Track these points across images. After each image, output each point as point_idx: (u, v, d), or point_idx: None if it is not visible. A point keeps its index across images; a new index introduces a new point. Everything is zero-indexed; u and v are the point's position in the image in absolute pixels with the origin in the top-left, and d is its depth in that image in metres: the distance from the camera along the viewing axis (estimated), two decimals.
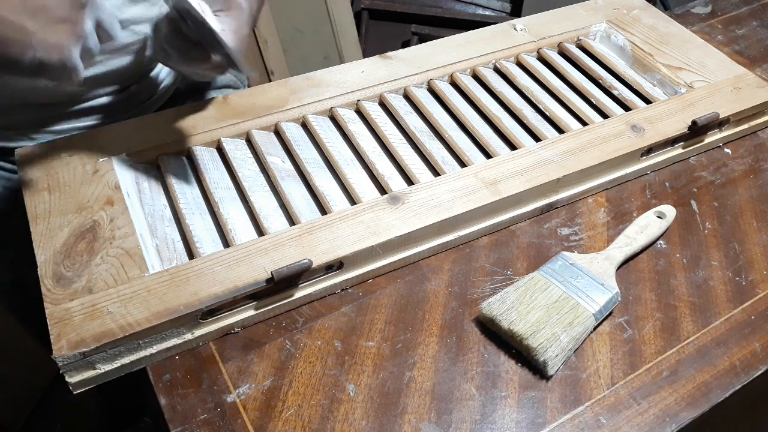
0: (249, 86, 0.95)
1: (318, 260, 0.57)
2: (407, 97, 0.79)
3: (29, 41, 0.47)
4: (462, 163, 0.71)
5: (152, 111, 0.80)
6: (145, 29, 0.70)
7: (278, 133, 0.73)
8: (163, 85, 0.81)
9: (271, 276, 0.55)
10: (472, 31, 0.87)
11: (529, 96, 0.80)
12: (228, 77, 0.90)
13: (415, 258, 0.64)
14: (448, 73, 0.81)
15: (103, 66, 0.69)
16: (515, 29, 0.88)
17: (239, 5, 0.59)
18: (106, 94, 0.73)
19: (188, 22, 0.56)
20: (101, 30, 0.52)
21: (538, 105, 0.79)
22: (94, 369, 0.52)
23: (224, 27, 0.57)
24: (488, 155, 0.72)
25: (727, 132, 0.79)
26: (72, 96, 0.70)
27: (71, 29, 0.49)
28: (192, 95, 0.87)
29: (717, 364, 0.58)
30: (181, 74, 0.68)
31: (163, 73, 0.81)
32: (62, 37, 0.48)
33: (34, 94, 0.67)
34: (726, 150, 0.79)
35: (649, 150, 0.73)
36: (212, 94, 0.88)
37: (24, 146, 0.66)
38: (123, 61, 0.71)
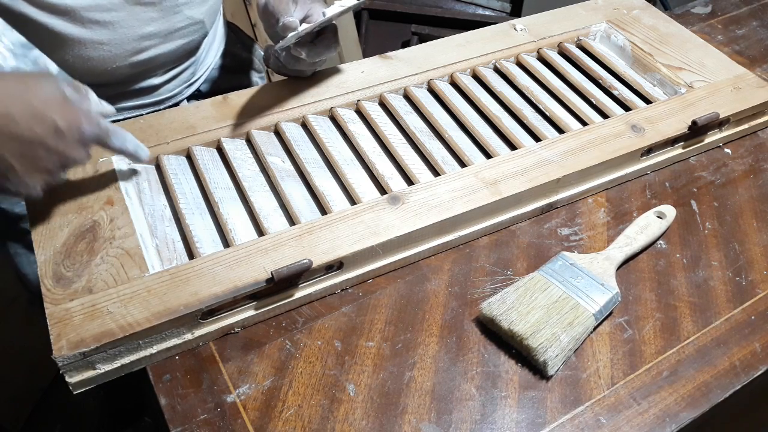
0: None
1: (318, 260, 0.57)
2: (407, 97, 0.79)
3: (7, 175, 0.51)
4: (462, 163, 0.71)
5: (196, 91, 0.85)
6: (196, 13, 0.74)
7: (278, 133, 0.73)
8: (208, 66, 0.85)
9: (271, 276, 0.55)
10: (472, 31, 0.87)
11: (529, 96, 0.80)
12: (257, 64, 0.97)
13: (415, 258, 0.64)
14: (448, 73, 0.81)
15: (156, 50, 0.73)
16: (515, 29, 0.88)
17: None
18: (156, 76, 0.77)
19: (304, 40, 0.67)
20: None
21: (538, 105, 0.79)
22: (94, 369, 0.52)
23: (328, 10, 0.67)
24: (488, 155, 0.72)
25: (727, 132, 0.79)
26: (123, 78, 0.74)
27: (48, 179, 0.54)
28: (232, 75, 0.91)
29: (717, 364, 0.58)
30: (299, 74, 0.76)
31: (207, 55, 0.84)
32: (37, 182, 0.53)
33: (89, 76, 0.70)
34: (726, 150, 0.79)
35: (649, 150, 0.73)
36: (240, 78, 0.93)
37: None
38: (174, 44, 0.74)
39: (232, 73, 0.91)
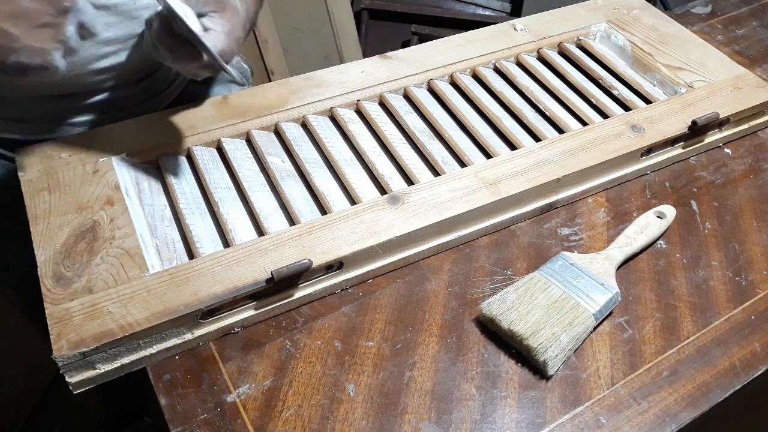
0: (252, 84, 0.95)
1: (318, 260, 0.57)
2: (407, 97, 0.79)
3: (13, 46, 0.48)
4: (462, 163, 0.71)
5: (166, 102, 0.81)
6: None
7: (278, 133, 0.73)
8: (177, 77, 0.82)
9: (271, 276, 0.55)
10: (472, 31, 0.87)
11: (529, 96, 0.80)
12: (235, 73, 0.90)
13: (415, 258, 0.64)
14: (448, 73, 0.81)
15: (117, 58, 0.69)
16: (515, 29, 0.88)
17: (234, 7, 0.59)
18: (121, 87, 0.73)
19: (177, 22, 0.56)
20: (83, 29, 0.53)
21: (538, 105, 0.79)
22: (94, 369, 0.52)
23: (216, 28, 0.57)
24: (488, 155, 0.72)
25: (727, 132, 0.79)
26: (86, 88, 0.70)
27: (54, 34, 0.50)
28: (203, 88, 0.87)
29: (717, 364, 0.58)
30: (176, 70, 0.69)
31: None
32: (45, 41, 0.49)
33: (43, 87, 0.67)
34: (726, 150, 0.79)
35: (649, 150, 0.73)
36: (219, 90, 0.89)
37: (41, 139, 0.67)
38: (137, 53, 0.70)
39: (209, 86, 0.87)
